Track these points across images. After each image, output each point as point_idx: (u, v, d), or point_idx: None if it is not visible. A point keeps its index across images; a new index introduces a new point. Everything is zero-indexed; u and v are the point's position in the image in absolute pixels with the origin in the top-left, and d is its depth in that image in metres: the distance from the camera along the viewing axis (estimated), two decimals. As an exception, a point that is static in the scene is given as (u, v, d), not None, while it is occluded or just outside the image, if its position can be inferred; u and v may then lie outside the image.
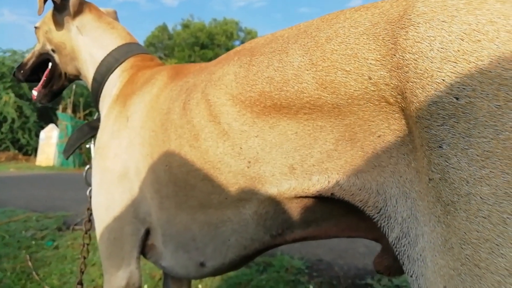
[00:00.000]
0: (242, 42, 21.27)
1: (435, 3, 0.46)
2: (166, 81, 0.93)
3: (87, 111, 11.68)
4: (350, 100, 0.53)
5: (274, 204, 0.67)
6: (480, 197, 0.38)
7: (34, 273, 1.94)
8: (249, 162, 0.65)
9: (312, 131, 0.58)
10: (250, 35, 21.27)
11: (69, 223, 3.09)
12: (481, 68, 0.39)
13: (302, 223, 0.69)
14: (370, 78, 0.50)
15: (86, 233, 1.20)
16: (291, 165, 0.61)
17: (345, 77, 0.52)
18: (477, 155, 0.39)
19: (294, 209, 0.66)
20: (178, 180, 0.77)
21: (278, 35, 0.69)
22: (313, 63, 0.56)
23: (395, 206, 0.51)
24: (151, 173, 0.83)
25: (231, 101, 0.67)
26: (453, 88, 0.40)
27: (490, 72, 0.38)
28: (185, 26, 21.09)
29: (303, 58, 0.58)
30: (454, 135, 0.40)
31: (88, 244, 1.20)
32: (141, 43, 1.30)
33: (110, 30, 1.20)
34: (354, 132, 0.54)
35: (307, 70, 0.57)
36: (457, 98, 0.40)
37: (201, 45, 19.96)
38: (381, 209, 0.53)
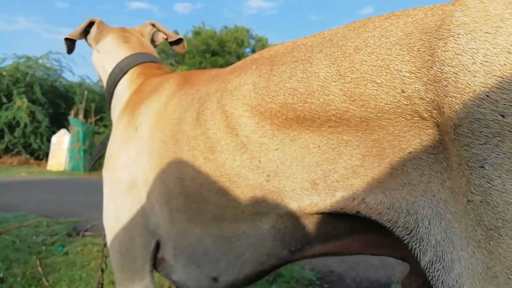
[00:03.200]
0: (253, 49, 21.36)
1: (476, 12, 0.42)
2: (175, 89, 0.92)
3: (98, 117, 11.79)
4: (380, 114, 0.50)
5: (294, 218, 0.64)
6: None
7: (44, 279, 1.94)
8: (268, 175, 0.63)
9: (337, 145, 0.55)
10: (261, 42, 21.35)
11: (79, 229, 3.10)
12: None
13: (323, 238, 0.66)
14: (403, 91, 0.47)
15: (105, 246, 1.18)
16: (313, 180, 0.59)
17: (376, 90, 0.49)
18: None
19: (315, 224, 0.64)
20: (190, 193, 0.75)
21: (300, 44, 0.66)
22: (340, 74, 0.53)
23: (428, 228, 0.48)
24: (161, 184, 0.81)
25: (249, 112, 0.65)
26: (499, 105, 0.38)
27: None
28: (196, 33, 21.28)
29: (329, 68, 0.55)
30: (499, 155, 0.38)
31: (106, 258, 1.19)
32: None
33: (122, 44, 1.24)
34: (382, 147, 0.51)
35: (334, 82, 0.54)
36: (503, 116, 0.37)
37: (212, 52, 20.08)
38: (412, 230, 0.50)
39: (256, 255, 0.71)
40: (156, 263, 0.90)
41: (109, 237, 0.92)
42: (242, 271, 0.75)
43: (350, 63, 0.53)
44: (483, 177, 0.39)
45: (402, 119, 0.48)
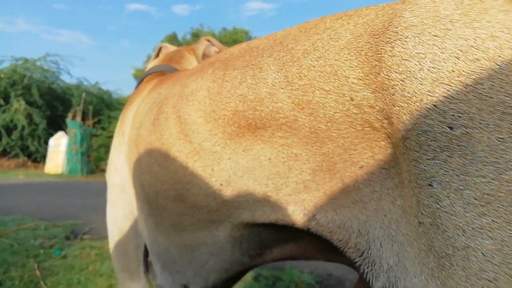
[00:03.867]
0: (250, 52, 21.32)
1: (426, 13, 0.39)
2: (148, 91, 0.92)
3: (96, 119, 11.78)
4: (329, 124, 0.46)
5: (249, 227, 0.62)
6: (482, 254, 0.31)
7: (42, 282, 1.93)
8: (221, 184, 0.60)
9: (287, 159, 0.51)
10: (259, 45, 21.36)
11: (77, 232, 3.10)
12: (480, 93, 0.33)
13: (280, 243, 0.65)
14: (352, 99, 0.43)
15: None
16: (265, 192, 0.55)
17: (324, 98, 0.45)
18: (475, 199, 0.32)
19: (270, 230, 0.62)
20: (150, 200, 0.74)
21: (253, 46, 0.62)
22: (288, 81, 0.49)
23: (379, 251, 0.44)
24: (134, 189, 0.82)
25: (203, 118, 0.61)
26: (447, 116, 0.34)
27: (492, 98, 0.32)
28: (195, 35, 21.26)
29: (277, 74, 0.51)
30: (447, 171, 0.34)
31: None
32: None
33: (153, 61, 1.33)
34: (333, 162, 0.47)
35: (282, 89, 0.50)
36: (451, 128, 0.34)
37: (210, 55, 20.07)
38: (363, 252, 0.45)
39: (219, 263, 0.69)
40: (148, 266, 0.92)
41: (109, 240, 0.94)
42: (209, 280, 0.73)
43: (298, 69, 0.49)
44: (431, 196, 0.35)
45: (353, 129, 0.44)
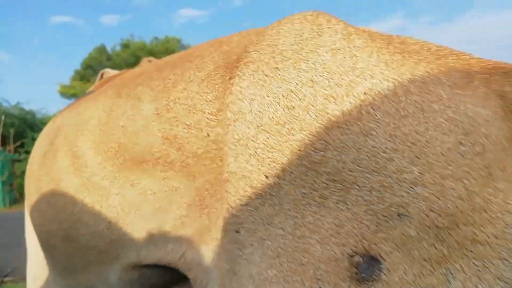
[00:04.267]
0: (185, 60, 21.28)
1: (266, 47, 0.37)
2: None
3: (18, 143, 10.90)
4: (195, 159, 0.45)
5: (137, 269, 0.59)
6: None
7: None
8: (110, 222, 0.57)
9: (169, 192, 0.50)
10: (192, 52, 21.33)
11: (-3, 275, 2.72)
12: (291, 144, 0.32)
13: (170, 286, 0.62)
14: (208, 135, 0.43)
15: None
16: (148, 230, 0.53)
17: (187, 132, 0.45)
18: (271, 250, 0.32)
19: (159, 273, 0.59)
20: (42, 240, 0.69)
21: (141, 72, 0.61)
22: (158, 113, 0.48)
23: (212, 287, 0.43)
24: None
25: (93, 150, 0.58)
26: (264, 164, 0.34)
27: (300, 151, 0.32)
28: (125, 46, 20.68)
29: (150, 105, 0.50)
30: (256, 219, 0.34)
31: None
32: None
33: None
34: (203, 196, 0.46)
35: (154, 121, 0.49)
36: (266, 177, 0.34)
37: (142, 65, 19.64)
38: None
39: None
40: None
41: None
42: None
43: (166, 100, 0.48)
44: (235, 242, 0.35)
45: (215, 165, 0.43)
